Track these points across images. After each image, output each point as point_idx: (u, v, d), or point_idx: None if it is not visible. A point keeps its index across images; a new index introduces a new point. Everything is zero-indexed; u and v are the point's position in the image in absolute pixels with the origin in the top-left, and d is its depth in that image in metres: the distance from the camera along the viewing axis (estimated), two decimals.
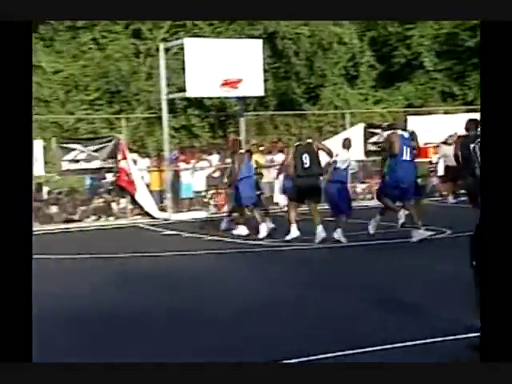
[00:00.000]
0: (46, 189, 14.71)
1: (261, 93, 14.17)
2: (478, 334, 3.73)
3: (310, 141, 9.86)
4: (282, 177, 11.53)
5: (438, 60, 21.21)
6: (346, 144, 9.81)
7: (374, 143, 15.93)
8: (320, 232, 9.46)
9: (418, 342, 4.73)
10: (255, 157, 12.05)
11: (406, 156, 9.19)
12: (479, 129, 8.98)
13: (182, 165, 15.01)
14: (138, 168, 14.37)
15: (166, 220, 13.47)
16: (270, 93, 19.22)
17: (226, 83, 13.30)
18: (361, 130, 16.28)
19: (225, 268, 8.29)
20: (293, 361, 4.34)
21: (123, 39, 19.01)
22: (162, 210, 14.09)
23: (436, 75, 21.55)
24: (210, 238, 10.79)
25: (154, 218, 13.75)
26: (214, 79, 13.13)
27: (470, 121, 8.71)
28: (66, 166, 13.67)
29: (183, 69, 13.98)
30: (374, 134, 16.28)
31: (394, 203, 9.47)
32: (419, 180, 16.74)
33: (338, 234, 9.47)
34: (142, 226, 13.06)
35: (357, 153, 13.60)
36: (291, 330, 5.22)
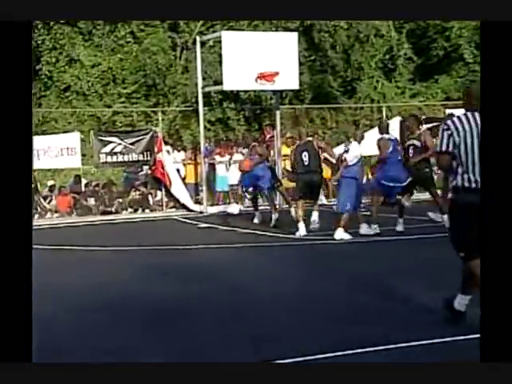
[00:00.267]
0: (84, 181, 14.93)
1: (296, 86, 14.11)
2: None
3: (309, 139, 10.14)
4: None
5: (479, 52, 20.83)
6: (359, 138, 9.81)
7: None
8: (301, 226, 9.77)
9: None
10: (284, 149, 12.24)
11: (393, 158, 9.57)
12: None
13: (218, 158, 15.06)
14: (173, 161, 14.47)
15: (201, 213, 13.55)
16: (305, 86, 19.14)
17: (261, 76, 13.29)
18: (397, 123, 16.09)
19: (260, 261, 8.30)
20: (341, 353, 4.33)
21: (160, 32, 19.14)
22: (198, 202, 14.17)
23: (476, 67, 21.17)
24: (245, 231, 10.82)
25: (189, 210, 13.84)
26: (250, 72, 13.13)
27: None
28: (103, 158, 13.84)
29: (219, 62, 14.02)
30: None
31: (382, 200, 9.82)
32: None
33: (363, 230, 9.53)
34: (177, 218, 13.16)
35: None
36: (329, 324, 5.21)
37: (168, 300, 6.22)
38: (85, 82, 18.71)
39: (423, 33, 21.43)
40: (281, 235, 9.99)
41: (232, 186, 14.98)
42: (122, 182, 15.68)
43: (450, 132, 4.63)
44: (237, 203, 12.03)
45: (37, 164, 12.86)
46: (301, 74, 15.52)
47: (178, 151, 15.54)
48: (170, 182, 13.96)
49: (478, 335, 3.59)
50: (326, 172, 12.00)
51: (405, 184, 9.65)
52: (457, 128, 4.62)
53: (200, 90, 14.20)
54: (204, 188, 14.12)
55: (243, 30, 17.73)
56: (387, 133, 9.94)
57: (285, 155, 13.24)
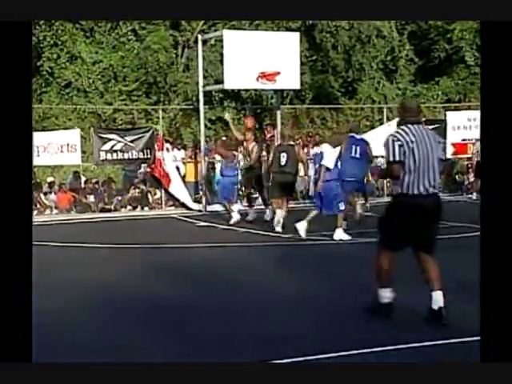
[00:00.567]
0: (83, 178, 14.92)
1: (297, 86, 14.11)
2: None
3: (291, 143, 10.93)
4: None
5: (480, 55, 20.82)
6: (334, 143, 9.91)
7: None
8: (278, 217, 10.20)
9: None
10: None
11: (355, 154, 10.01)
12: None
13: (217, 157, 15.05)
14: (173, 159, 14.46)
15: (200, 211, 13.54)
16: (306, 86, 19.14)
17: (262, 76, 13.28)
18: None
19: (258, 260, 8.30)
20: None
21: (162, 30, 19.12)
22: (197, 201, 14.16)
23: (477, 70, 21.17)
24: (244, 230, 10.81)
25: (188, 209, 13.83)
26: (251, 72, 13.12)
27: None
28: (103, 155, 13.83)
29: (220, 61, 13.99)
30: None
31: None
32: (457, 176, 16.67)
33: (337, 235, 9.48)
34: (176, 216, 13.15)
35: None
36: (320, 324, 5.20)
37: (164, 298, 6.21)
38: (86, 78, 18.69)
39: (425, 34, 21.43)
40: (282, 235, 9.98)
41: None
42: (121, 180, 15.67)
43: (400, 143, 4.99)
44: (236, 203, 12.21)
45: (36, 160, 12.84)
46: (302, 73, 15.51)
47: (178, 149, 15.53)
48: (169, 181, 13.95)
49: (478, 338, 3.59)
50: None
51: (360, 180, 10.13)
52: (406, 139, 4.98)
53: (201, 89, 14.19)
54: (203, 187, 14.12)
55: (245, 29, 17.72)
56: (356, 133, 10.39)
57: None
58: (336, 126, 19.82)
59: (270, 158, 10.83)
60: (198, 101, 14.92)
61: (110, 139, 13.89)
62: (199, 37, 14.55)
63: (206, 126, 15.56)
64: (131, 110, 18.60)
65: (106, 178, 15.49)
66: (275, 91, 14.84)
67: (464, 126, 16.10)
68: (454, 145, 16.10)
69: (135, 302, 6.09)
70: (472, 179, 15.85)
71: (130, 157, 14.02)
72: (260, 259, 8.37)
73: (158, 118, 15.77)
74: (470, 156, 16.04)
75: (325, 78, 20.22)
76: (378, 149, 9.99)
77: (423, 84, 21.60)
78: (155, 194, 14.57)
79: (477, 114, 16.86)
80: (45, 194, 14.06)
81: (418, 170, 4.97)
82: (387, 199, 11.30)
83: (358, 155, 10.10)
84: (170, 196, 14.23)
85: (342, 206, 9.49)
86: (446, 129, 15.96)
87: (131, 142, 13.96)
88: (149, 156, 13.98)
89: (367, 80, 20.72)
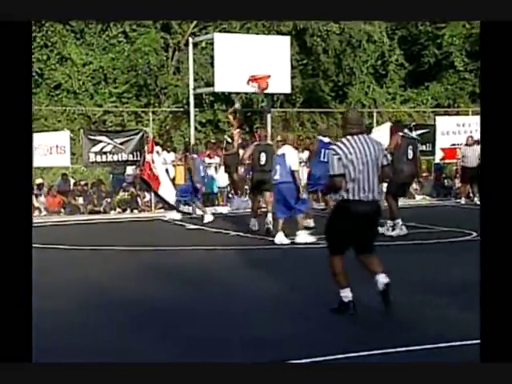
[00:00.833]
0: (72, 180, 14.86)
1: (288, 90, 14.14)
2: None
3: (269, 142, 11.40)
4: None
5: (469, 60, 20.95)
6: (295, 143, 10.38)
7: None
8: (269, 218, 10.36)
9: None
10: None
11: (324, 158, 10.20)
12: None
13: (207, 159, 15.03)
14: (162, 162, 14.43)
15: (189, 214, 13.51)
16: (297, 89, 19.17)
17: (253, 79, 13.30)
18: (387, 128, 16.16)
19: (246, 264, 8.30)
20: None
21: (152, 33, 19.11)
22: (187, 204, 14.13)
23: (466, 75, 21.31)
24: (233, 233, 10.81)
25: (178, 211, 13.80)
26: (242, 75, 13.13)
27: None
28: (92, 157, 13.79)
29: (211, 64, 14.00)
30: None
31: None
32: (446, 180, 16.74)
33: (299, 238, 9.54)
34: (166, 219, 13.12)
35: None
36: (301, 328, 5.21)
37: (149, 300, 6.19)
38: (76, 80, 18.63)
39: (415, 40, 21.54)
40: (270, 238, 9.97)
41: (220, 187, 14.99)
42: (110, 182, 15.63)
43: (338, 156, 5.29)
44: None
45: None
46: (292, 77, 15.55)
47: (168, 152, 15.51)
48: (159, 184, 13.92)
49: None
50: None
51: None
52: (344, 152, 5.28)
53: (191, 91, 14.19)
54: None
55: (236, 32, 17.74)
56: (324, 136, 11.02)
57: None
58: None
59: (251, 157, 11.05)
60: (188, 103, 14.92)
61: (100, 141, 13.86)
62: (190, 39, 14.56)
63: (196, 128, 15.56)
64: (121, 112, 18.56)
65: (96, 180, 15.44)
66: (266, 95, 14.86)
67: (453, 131, 16.20)
68: (443, 150, 16.20)
69: (125, 305, 6.07)
70: (459, 184, 15.94)
71: (120, 159, 13.98)
72: (251, 262, 8.37)
73: (148, 120, 15.76)
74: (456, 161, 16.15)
75: (315, 81, 20.27)
76: None
77: (413, 89, 21.70)
78: (144, 196, 14.54)
79: (466, 119, 17.01)
80: (34, 195, 13.99)
81: (357, 179, 5.28)
82: None
83: (326, 159, 10.14)
84: (160, 198, 14.20)
85: (301, 207, 9.55)
86: (435, 133, 16.06)
87: (121, 144, 13.93)
88: (138, 158, 13.94)
89: (357, 84, 20.79)
